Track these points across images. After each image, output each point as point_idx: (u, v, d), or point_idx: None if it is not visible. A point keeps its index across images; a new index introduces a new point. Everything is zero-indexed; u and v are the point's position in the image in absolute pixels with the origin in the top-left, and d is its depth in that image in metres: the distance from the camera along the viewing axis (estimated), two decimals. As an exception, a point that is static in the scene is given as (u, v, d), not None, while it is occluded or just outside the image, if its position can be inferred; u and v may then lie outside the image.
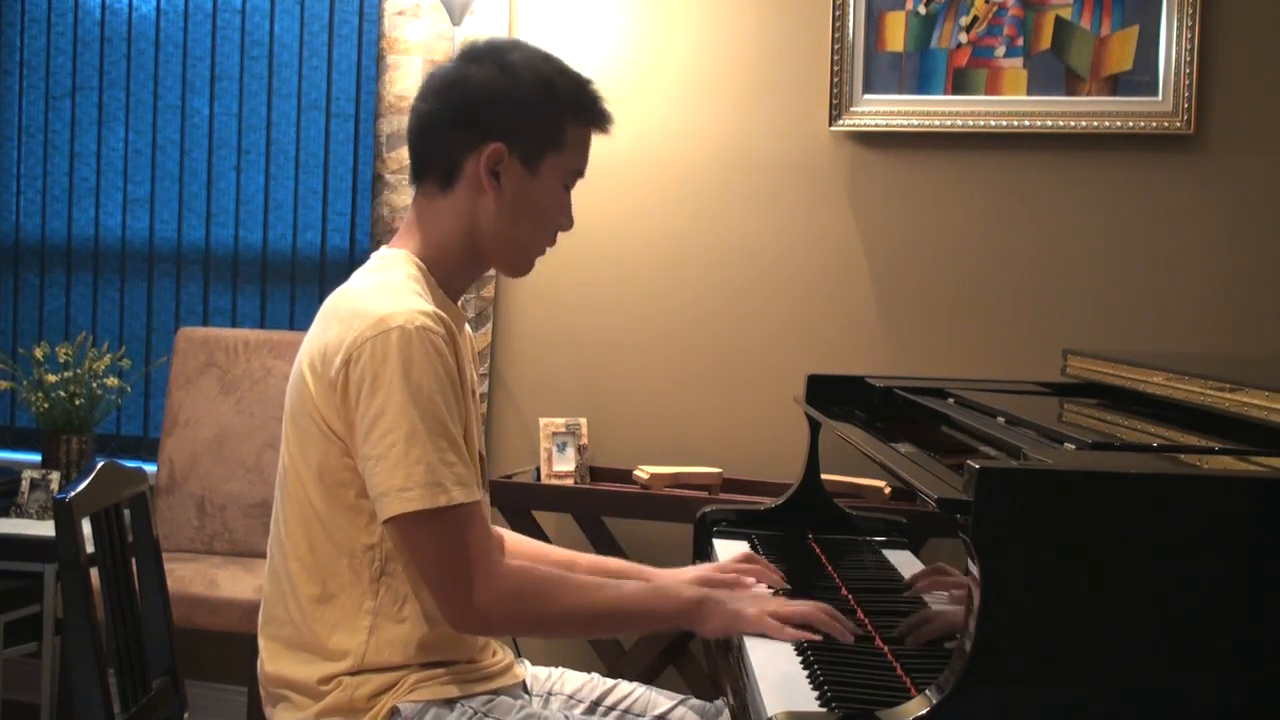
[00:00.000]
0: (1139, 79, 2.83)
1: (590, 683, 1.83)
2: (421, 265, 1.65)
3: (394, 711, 1.56)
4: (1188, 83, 2.78)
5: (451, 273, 1.68)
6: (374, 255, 1.70)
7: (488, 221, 1.64)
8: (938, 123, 2.95)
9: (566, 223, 1.71)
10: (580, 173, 1.70)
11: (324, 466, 1.56)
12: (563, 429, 3.07)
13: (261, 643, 1.66)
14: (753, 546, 2.07)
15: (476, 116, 1.63)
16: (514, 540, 1.93)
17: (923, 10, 2.96)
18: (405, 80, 3.20)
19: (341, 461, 1.55)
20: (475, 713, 1.59)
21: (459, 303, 1.73)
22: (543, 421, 3.07)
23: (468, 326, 1.83)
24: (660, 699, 1.80)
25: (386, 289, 1.58)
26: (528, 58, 1.66)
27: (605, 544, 2.94)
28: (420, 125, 1.68)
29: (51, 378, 3.34)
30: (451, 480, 1.49)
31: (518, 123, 1.62)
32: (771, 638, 1.53)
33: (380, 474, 1.49)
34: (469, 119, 1.63)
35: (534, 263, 1.72)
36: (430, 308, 1.54)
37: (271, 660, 1.64)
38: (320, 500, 1.57)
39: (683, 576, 1.80)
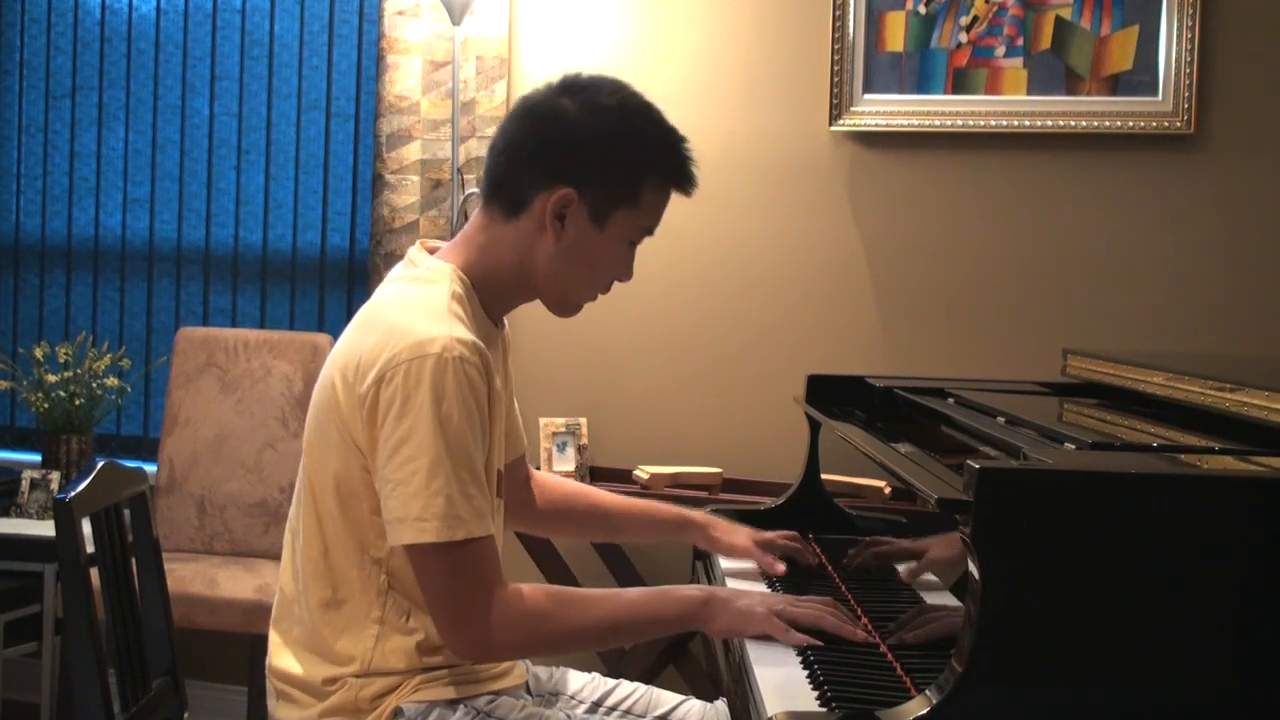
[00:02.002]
0: (1139, 79, 2.83)
1: (591, 683, 1.83)
2: (467, 282, 1.61)
3: (397, 712, 1.56)
4: (1188, 83, 2.78)
5: (498, 297, 1.66)
6: (419, 258, 1.65)
7: (543, 261, 1.62)
8: (938, 123, 2.95)
9: (625, 276, 1.69)
10: (650, 231, 1.67)
11: (341, 476, 1.56)
12: (563, 429, 3.07)
13: (271, 636, 1.66)
14: (753, 546, 2.08)
15: (555, 155, 1.58)
16: (544, 479, 1.98)
17: (923, 10, 2.96)
18: (405, 80, 3.20)
19: (360, 475, 1.54)
20: (478, 713, 1.59)
21: (504, 319, 1.72)
22: (543, 421, 3.07)
23: (508, 327, 1.81)
24: (661, 699, 1.81)
25: (429, 309, 1.54)
26: (624, 105, 1.61)
27: (606, 543, 2.94)
28: (503, 147, 1.63)
29: (51, 378, 3.34)
30: (470, 514, 1.48)
31: (595, 172, 1.59)
32: (776, 640, 1.53)
33: (398, 499, 1.48)
34: (547, 155, 1.59)
35: (581, 307, 1.70)
36: (469, 336, 1.51)
37: (278, 655, 1.64)
38: (333, 508, 1.57)
39: (735, 533, 1.93)
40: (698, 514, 1.99)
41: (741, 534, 1.93)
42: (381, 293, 1.65)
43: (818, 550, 2.06)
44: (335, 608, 1.59)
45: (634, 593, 1.61)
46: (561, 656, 1.85)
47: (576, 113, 1.59)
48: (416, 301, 1.57)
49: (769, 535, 1.94)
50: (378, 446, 1.50)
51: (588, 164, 1.59)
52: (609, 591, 1.61)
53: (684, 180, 1.65)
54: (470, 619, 1.50)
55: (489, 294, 1.64)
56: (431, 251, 1.68)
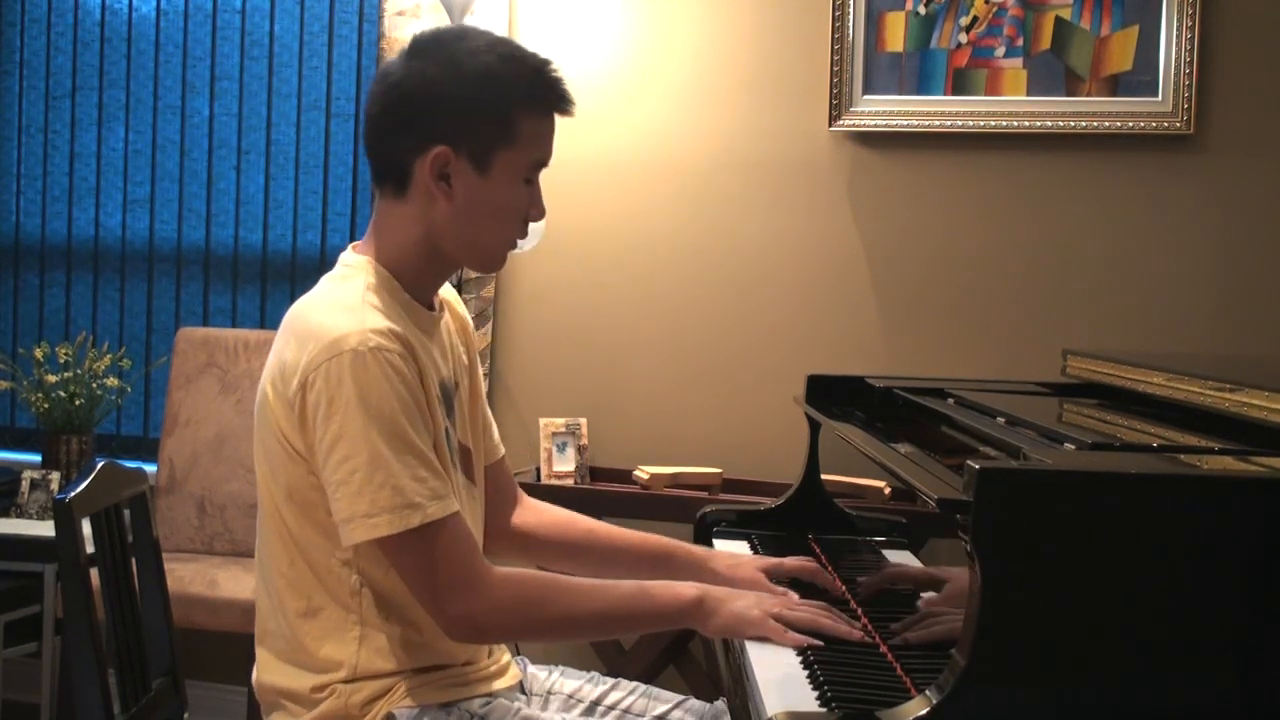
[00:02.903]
0: (1139, 79, 2.83)
1: (590, 683, 1.83)
2: (383, 273, 1.60)
3: (388, 718, 1.55)
4: (1188, 83, 2.78)
5: (417, 277, 1.63)
6: (344, 257, 1.65)
7: (444, 226, 1.59)
8: (938, 123, 2.95)
9: (536, 214, 1.64)
10: (542, 163, 1.62)
11: (292, 485, 1.55)
12: (563, 429, 3.07)
13: (258, 652, 1.65)
14: (752, 547, 2.07)
15: (418, 120, 1.56)
16: (539, 509, 1.92)
17: (923, 10, 2.96)
18: (405, 80, 3.20)
19: (308, 480, 1.53)
20: (472, 716, 1.59)
21: (436, 301, 1.69)
22: (543, 421, 3.07)
23: (462, 309, 1.80)
24: (660, 699, 1.80)
25: (342, 306, 1.53)
26: (473, 49, 1.57)
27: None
28: (371, 128, 1.62)
29: (51, 378, 3.34)
30: (426, 496, 1.47)
31: (461, 122, 1.55)
32: (773, 642, 1.53)
33: (343, 500, 1.47)
34: (410, 123, 1.56)
35: (505, 258, 1.66)
36: (385, 324, 1.50)
37: (265, 671, 1.63)
38: (292, 518, 1.57)
39: (739, 567, 1.80)
40: (700, 550, 1.90)
41: (746, 567, 1.83)
42: (302, 298, 1.63)
43: (818, 550, 2.06)
44: (312, 616, 1.58)
45: (629, 585, 1.60)
46: (555, 648, 1.84)
47: (428, 72, 1.56)
48: (331, 299, 1.57)
49: (773, 562, 1.84)
50: (315, 451, 1.50)
51: (452, 117, 1.55)
52: (604, 582, 1.60)
53: (555, 101, 1.60)
54: (453, 598, 1.49)
55: (408, 278, 1.62)
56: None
